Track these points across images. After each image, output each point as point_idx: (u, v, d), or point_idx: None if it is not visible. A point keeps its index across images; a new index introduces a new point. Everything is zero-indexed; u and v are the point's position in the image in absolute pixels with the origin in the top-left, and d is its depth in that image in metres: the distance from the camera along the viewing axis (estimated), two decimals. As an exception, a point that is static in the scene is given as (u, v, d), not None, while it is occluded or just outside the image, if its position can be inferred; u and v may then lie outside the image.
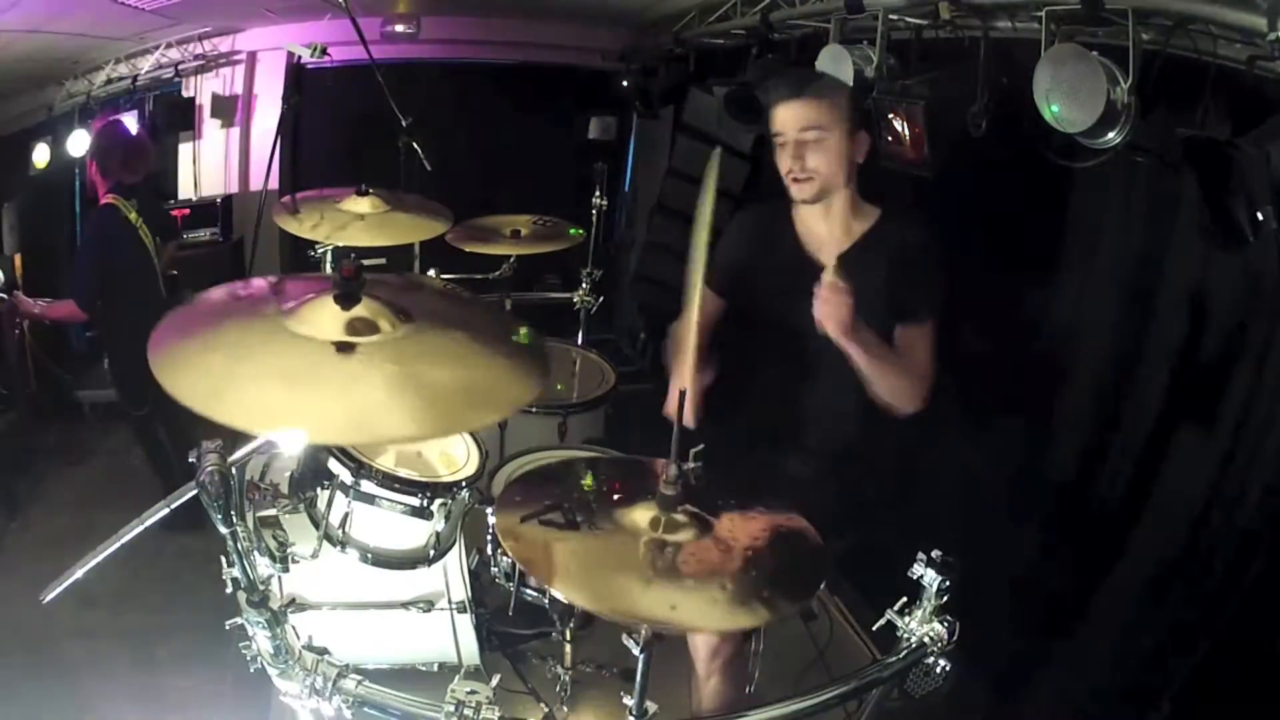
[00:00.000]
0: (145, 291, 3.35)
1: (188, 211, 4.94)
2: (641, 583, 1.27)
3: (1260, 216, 1.71)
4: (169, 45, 4.68)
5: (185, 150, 5.14)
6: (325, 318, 1.36)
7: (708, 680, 1.93)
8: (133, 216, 3.27)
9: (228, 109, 5.09)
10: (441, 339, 1.42)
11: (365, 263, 1.82)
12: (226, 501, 1.25)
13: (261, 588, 1.33)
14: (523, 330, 1.53)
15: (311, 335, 1.33)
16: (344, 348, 1.34)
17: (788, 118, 1.95)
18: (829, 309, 1.76)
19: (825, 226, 2.03)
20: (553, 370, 1.51)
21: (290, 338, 1.32)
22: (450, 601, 2.24)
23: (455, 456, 2.13)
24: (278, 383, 1.25)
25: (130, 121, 4.29)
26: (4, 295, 3.28)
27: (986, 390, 2.70)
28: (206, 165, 5.19)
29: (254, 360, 1.29)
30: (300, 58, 3.86)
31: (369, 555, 1.92)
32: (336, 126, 5.20)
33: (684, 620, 1.27)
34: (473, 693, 1.30)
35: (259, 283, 1.58)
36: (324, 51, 3.70)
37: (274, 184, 4.56)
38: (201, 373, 1.25)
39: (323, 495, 1.89)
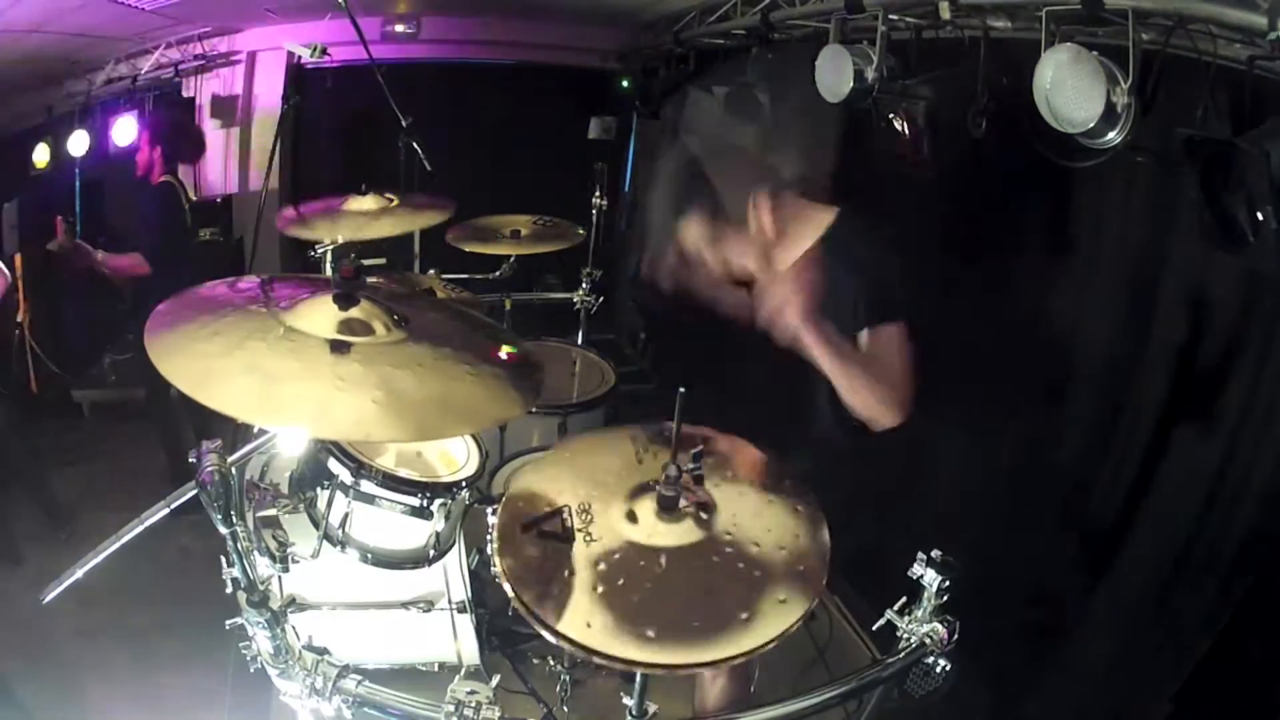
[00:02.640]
0: (181, 270, 3.56)
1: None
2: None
3: (1260, 216, 1.71)
4: (169, 45, 4.68)
5: (185, 150, 5.13)
6: (322, 316, 1.37)
7: (714, 681, 1.93)
8: (185, 201, 3.63)
9: (227, 109, 5.08)
10: (431, 349, 1.45)
11: (365, 262, 1.82)
12: (226, 501, 1.25)
13: (261, 588, 1.33)
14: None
15: (307, 332, 1.35)
16: (338, 347, 1.35)
17: (692, 239, 1.94)
18: (776, 300, 1.68)
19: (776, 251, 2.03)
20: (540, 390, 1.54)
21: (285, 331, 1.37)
22: (450, 601, 2.24)
23: (455, 456, 2.13)
24: (262, 372, 1.30)
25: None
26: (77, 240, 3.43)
27: (986, 390, 2.70)
28: (206, 165, 5.19)
29: (247, 349, 1.34)
30: (300, 58, 3.86)
31: (369, 555, 1.91)
32: (336, 126, 5.20)
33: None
34: (473, 693, 1.30)
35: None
36: (324, 51, 3.70)
37: (274, 184, 4.57)
38: (194, 357, 1.31)
39: (323, 495, 1.89)
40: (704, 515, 1.37)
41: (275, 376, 1.30)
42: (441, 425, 1.45)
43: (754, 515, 1.36)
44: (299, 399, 1.29)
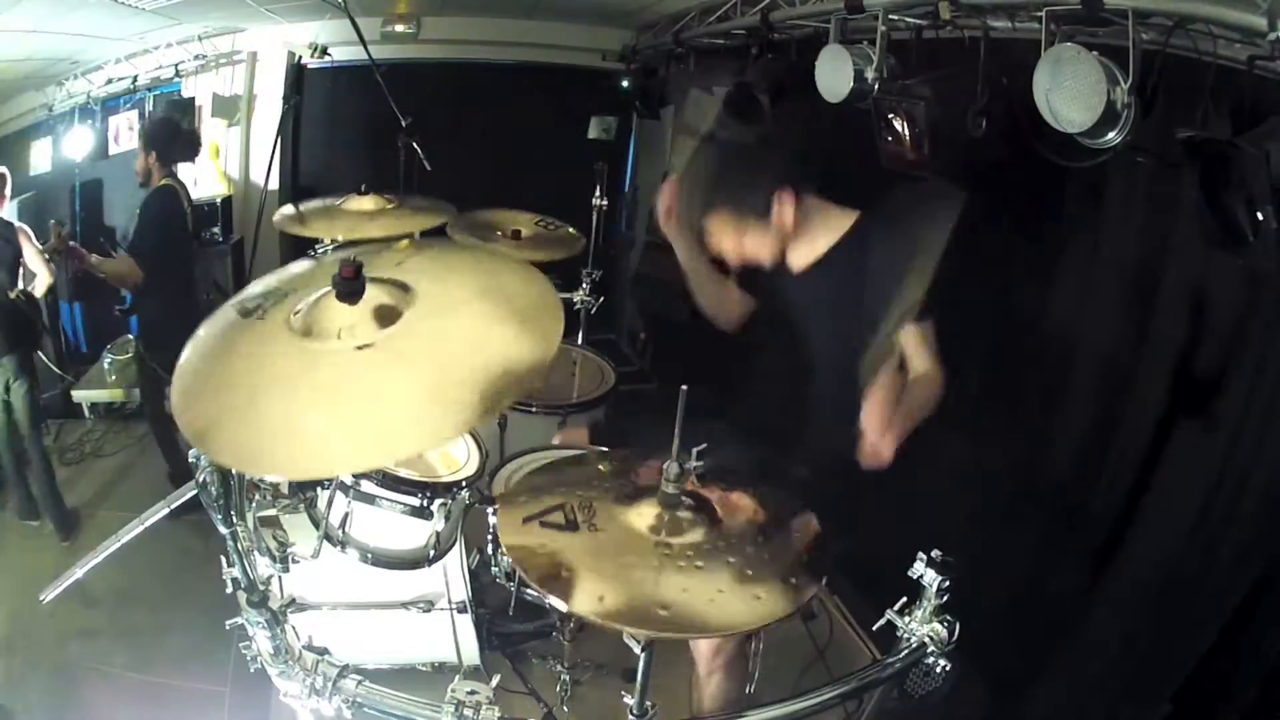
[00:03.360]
0: (185, 272, 3.73)
1: (187, 211, 4.94)
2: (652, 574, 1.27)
3: (1260, 216, 1.71)
4: (169, 45, 4.68)
5: (185, 150, 5.13)
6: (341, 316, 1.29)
7: (709, 678, 1.93)
8: (186, 203, 3.64)
9: (228, 109, 5.08)
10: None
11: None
12: (226, 501, 1.25)
13: (261, 588, 1.33)
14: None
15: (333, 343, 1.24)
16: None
17: (709, 233, 2.01)
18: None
19: (791, 248, 2.08)
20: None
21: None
22: (450, 601, 2.24)
23: (455, 456, 2.13)
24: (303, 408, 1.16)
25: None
26: (71, 242, 3.43)
27: (986, 390, 2.70)
28: (206, 165, 5.19)
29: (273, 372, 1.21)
30: (300, 58, 3.87)
31: (369, 555, 1.92)
32: (336, 126, 5.20)
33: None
34: (473, 693, 1.30)
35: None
36: (324, 51, 3.71)
37: (274, 184, 4.58)
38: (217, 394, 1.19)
39: (323, 495, 1.89)
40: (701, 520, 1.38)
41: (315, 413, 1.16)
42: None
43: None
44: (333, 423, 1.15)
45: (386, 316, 1.26)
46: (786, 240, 2.01)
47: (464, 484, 1.97)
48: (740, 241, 1.99)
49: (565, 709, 2.24)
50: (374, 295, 1.28)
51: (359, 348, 1.21)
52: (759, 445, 2.08)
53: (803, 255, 2.06)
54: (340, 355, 1.20)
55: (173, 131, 3.66)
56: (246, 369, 1.23)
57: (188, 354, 1.28)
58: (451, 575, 2.23)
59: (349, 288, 1.27)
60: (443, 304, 1.30)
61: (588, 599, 1.20)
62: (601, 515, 1.38)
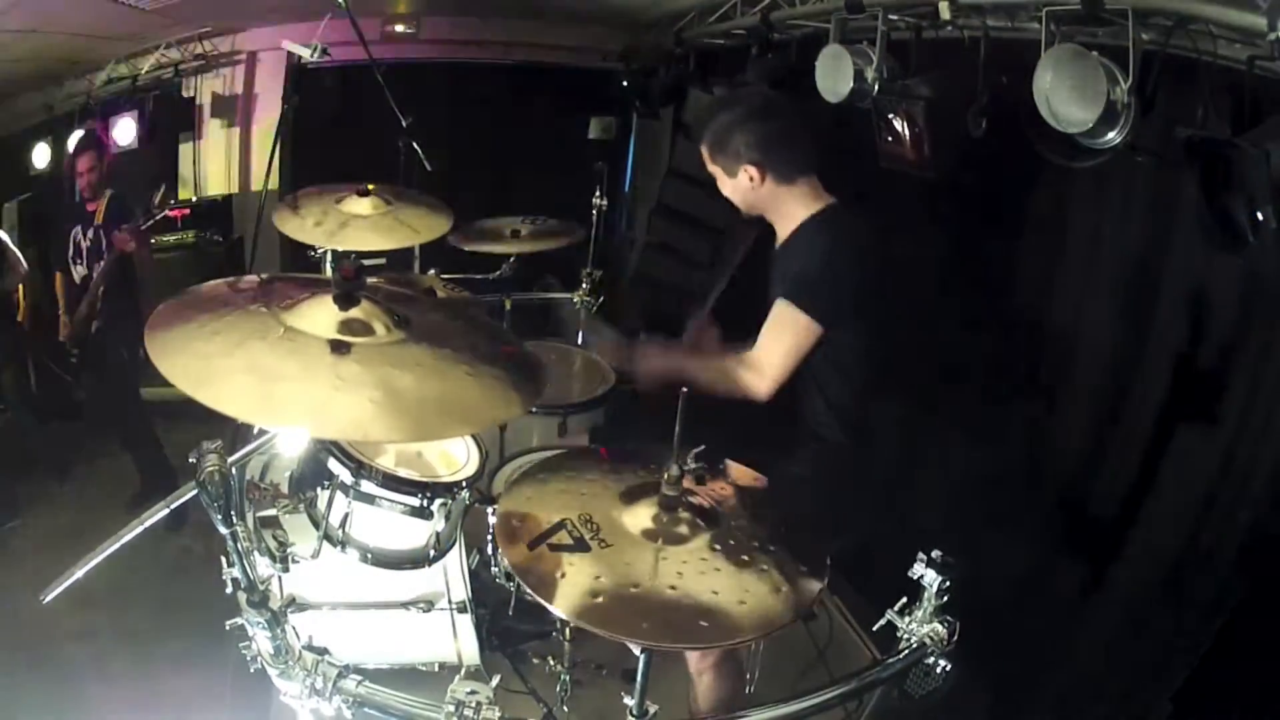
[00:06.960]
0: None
1: (188, 212, 4.94)
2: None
3: (1260, 216, 1.71)
4: (169, 45, 4.68)
5: (185, 150, 5.13)
6: (323, 316, 1.37)
7: (700, 678, 1.94)
8: None
9: (228, 109, 5.08)
10: (431, 350, 1.43)
11: (365, 262, 1.81)
12: (226, 501, 1.25)
13: (261, 588, 1.32)
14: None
15: (307, 332, 1.34)
16: (339, 347, 1.34)
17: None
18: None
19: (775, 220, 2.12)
20: (542, 391, 1.52)
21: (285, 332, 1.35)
22: (450, 601, 2.24)
23: (455, 456, 2.13)
24: (263, 374, 1.28)
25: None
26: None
27: (986, 389, 2.70)
28: (206, 165, 5.19)
29: (246, 350, 1.31)
30: (300, 58, 3.87)
31: (369, 555, 1.91)
32: (336, 126, 5.20)
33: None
34: (473, 693, 1.29)
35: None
36: (324, 51, 3.71)
37: (274, 184, 4.57)
38: (193, 357, 1.29)
39: (323, 495, 1.89)
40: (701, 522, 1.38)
41: (274, 376, 1.29)
42: (440, 425, 1.44)
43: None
44: (298, 399, 1.28)
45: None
46: (747, 207, 2.08)
47: (464, 484, 1.97)
48: (712, 173, 2.10)
49: (565, 709, 2.23)
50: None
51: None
52: (755, 445, 2.08)
53: (781, 231, 2.09)
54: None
55: (107, 143, 3.71)
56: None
57: None
58: (451, 575, 2.23)
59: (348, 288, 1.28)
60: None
61: (630, 629, 1.20)
62: (605, 528, 1.36)
